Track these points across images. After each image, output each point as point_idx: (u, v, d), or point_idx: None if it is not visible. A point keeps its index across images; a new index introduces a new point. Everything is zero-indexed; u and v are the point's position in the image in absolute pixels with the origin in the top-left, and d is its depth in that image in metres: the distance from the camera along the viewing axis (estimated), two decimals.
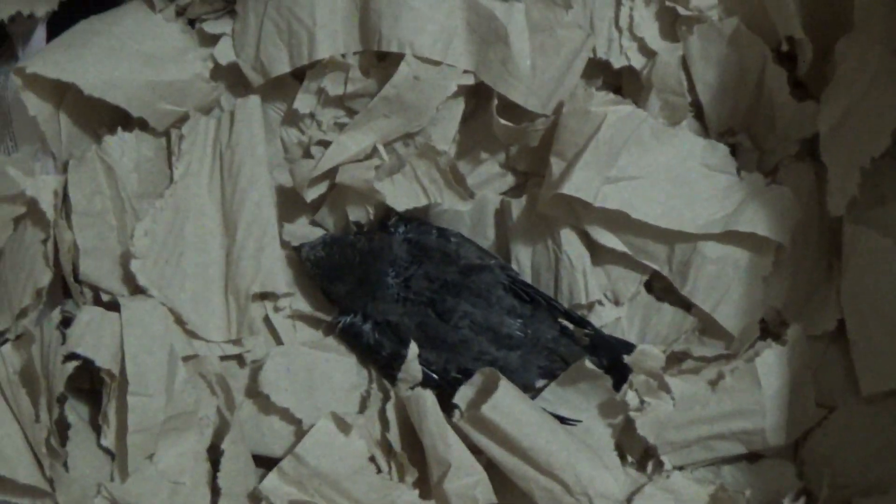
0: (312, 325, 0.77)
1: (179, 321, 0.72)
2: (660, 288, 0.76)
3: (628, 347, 0.73)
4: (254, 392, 0.73)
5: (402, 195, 0.74)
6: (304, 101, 0.76)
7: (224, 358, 0.74)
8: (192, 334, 0.73)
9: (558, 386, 0.73)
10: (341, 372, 0.74)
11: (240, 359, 0.74)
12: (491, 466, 0.70)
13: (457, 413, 0.70)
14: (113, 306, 0.70)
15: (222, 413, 0.71)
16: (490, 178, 0.79)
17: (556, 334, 0.74)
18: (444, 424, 0.69)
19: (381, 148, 0.74)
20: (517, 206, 0.76)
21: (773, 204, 0.71)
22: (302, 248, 0.74)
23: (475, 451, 0.70)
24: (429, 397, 0.69)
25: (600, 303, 0.76)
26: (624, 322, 0.77)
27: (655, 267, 0.73)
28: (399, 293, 0.73)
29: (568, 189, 0.70)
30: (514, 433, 0.67)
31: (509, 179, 0.79)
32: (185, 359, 0.71)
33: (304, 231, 0.77)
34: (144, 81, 0.72)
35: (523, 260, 0.77)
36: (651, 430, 0.71)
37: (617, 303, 0.76)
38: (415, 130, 0.75)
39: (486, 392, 0.68)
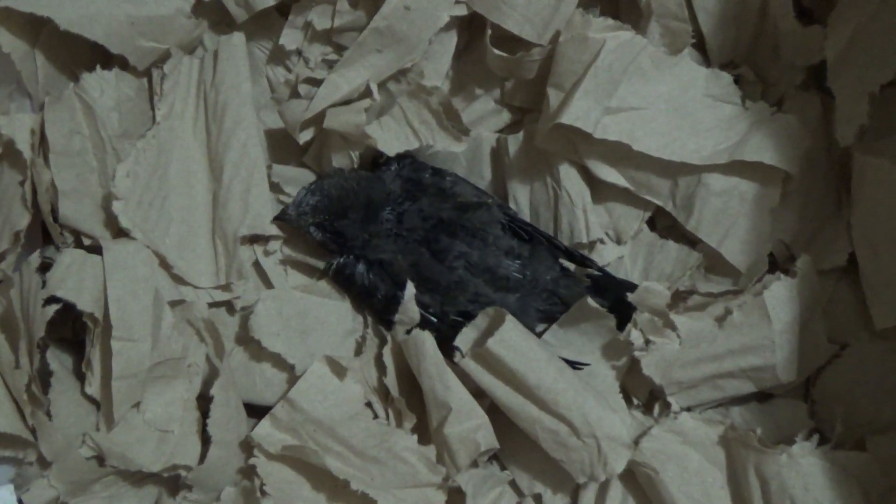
0: (304, 271, 0.74)
1: (165, 265, 0.69)
2: (663, 225, 0.74)
3: (631, 287, 0.70)
4: (244, 339, 0.70)
5: (391, 139, 0.72)
6: (290, 37, 0.73)
7: (213, 305, 0.71)
8: (178, 279, 0.70)
9: (560, 328, 0.70)
10: (335, 317, 0.71)
11: (229, 305, 0.72)
12: (493, 412, 0.67)
13: (458, 355, 0.67)
14: (95, 250, 0.68)
15: (211, 361, 0.68)
16: (485, 115, 0.76)
17: (555, 275, 0.71)
18: (444, 367, 0.66)
19: (373, 86, 0.71)
20: (514, 143, 0.73)
21: (779, 132, 0.69)
22: (287, 212, 0.69)
23: (476, 395, 0.67)
24: (427, 339, 0.66)
25: (602, 241, 0.73)
26: (627, 261, 0.74)
27: (658, 202, 0.71)
28: (392, 229, 0.69)
29: (567, 118, 0.67)
30: (520, 369, 0.64)
31: (505, 116, 0.76)
32: (172, 304, 0.68)
33: (292, 173, 0.74)
34: (123, 16, 0.69)
35: (521, 199, 0.74)
36: (657, 369, 0.69)
37: (619, 241, 0.73)
38: (407, 66, 0.72)
39: (488, 333, 0.65)
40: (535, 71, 0.71)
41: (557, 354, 0.68)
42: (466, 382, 0.67)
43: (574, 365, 0.68)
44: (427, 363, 0.66)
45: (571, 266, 0.71)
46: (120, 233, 0.69)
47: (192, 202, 0.71)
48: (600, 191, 0.73)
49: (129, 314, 0.65)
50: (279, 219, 0.70)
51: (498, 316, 0.66)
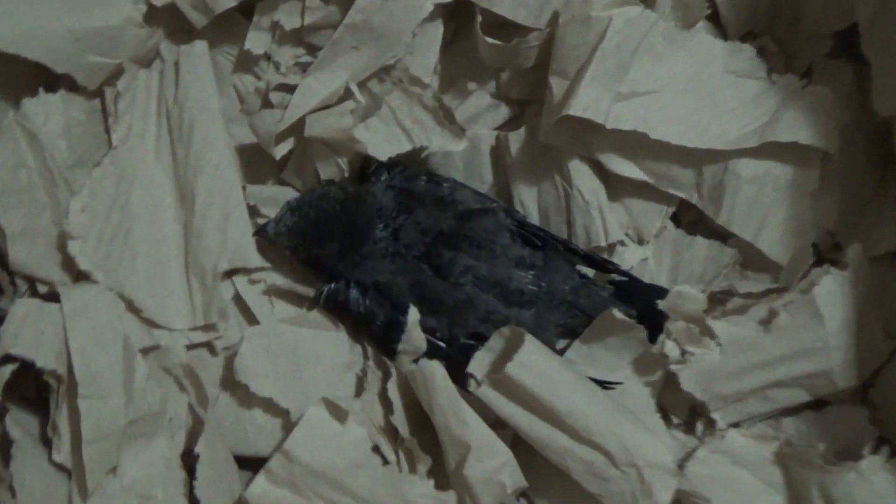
0: (292, 301, 0.66)
1: (133, 308, 0.61)
2: (689, 219, 0.67)
3: (661, 292, 0.63)
4: (230, 383, 0.62)
5: (382, 142, 0.64)
6: (256, 40, 0.66)
7: (191, 347, 0.63)
8: (150, 323, 0.62)
9: (584, 343, 0.63)
10: (331, 350, 0.64)
11: (210, 347, 0.64)
12: (517, 444, 0.60)
13: (472, 383, 0.59)
14: (52, 298, 0.60)
15: (195, 411, 0.61)
16: (481, 111, 0.68)
17: (574, 284, 0.63)
18: (458, 399, 0.58)
19: (354, 88, 0.64)
20: (516, 140, 0.66)
21: (813, 107, 0.61)
22: (266, 228, 0.63)
23: (497, 427, 0.59)
24: (437, 369, 0.58)
25: (622, 243, 0.66)
26: (651, 263, 0.67)
27: (682, 195, 0.65)
28: (388, 248, 0.62)
29: (574, 110, 0.60)
30: (545, 395, 0.56)
31: (503, 111, 0.69)
32: (145, 351, 0.61)
33: (269, 192, 0.67)
34: (66, 31, 0.62)
35: (528, 202, 0.67)
36: (697, 383, 0.61)
37: (641, 241, 0.67)
38: (390, 62, 0.65)
39: (506, 356, 0.58)
40: (533, 58, 0.64)
41: (584, 374, 0.61)
42: (485, 414, 0.59)
43: (604, 385, 0.61)
44: (438, 396, 0.58)
45: (591, 273, 0.65)
46: (80, 276, 0.62)
47: (160, 234, 0.64)
48: (616, 187, 0.66)
49: (97, 367, 0.57)
50: (259, 234, 0.63)
51: (515, 336, 0.58)
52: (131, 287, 0.61)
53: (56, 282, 0.61)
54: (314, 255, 0.62)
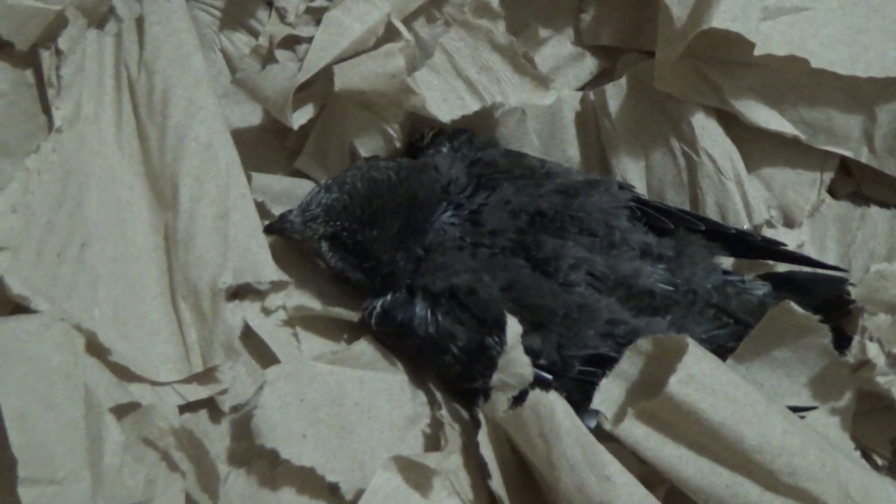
0: (326, 333, 0.48)
1: (97, 349, 0.42)
2: (848, 190, 0.53)
3: (840, 281, 0.47)
4: (243, 455, 0.43)
5: (437, 101, 0.49)
6: None
7: (185, 407, 0.44)
8: (122, 371, 0.43)
9: (740, 362, 0.45)
10: (387, 398, 0.44)
11: (211, 406, 0.45)
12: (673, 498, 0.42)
13: (602, 420, 0.41)
14: None
15: (194, 500, 0.42)
16: (559, 64, 0.54)
17: (718, 281, 0.47)
18: (596, 445, 0.40)
19: (399, 24, 0.47)
20: (616, 95, 0.51)
21: None
22: (286, 217, 0.46)
23: (649, 482, 0.41)
24: (558, 404, 0.40)
25: (770, 224, 0.51)
26: (810, 249, 0.51)
27: (844, 152, 0.50)
28: (464, 236, 0.45)
29: (720, 21, 0.45)
30: (728, 422, 0.39)
31: (589, 63, 0.54)
32: (118, 412, 0.42)
33: (283, 185, 0.49)
34: None
35: (634, 178, 0.52)
36: None
37: (790, 223, 0.52)
38: None
39: (650, 380, 0.41)
40: None
41: None
42: (627, 463, 0.41)
43: (795, 411, 0.43)
44: (564, 444, 0.40)
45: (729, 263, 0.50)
46: (17, 307, 0.42)
47: (130, 249, 0.46)
48: (752, 151, 0.51)
49: (45, 438, 0.38)
50: (275, 229, 0.46)
51: (667, 347, 0.41)
52: (92, 320, 0.43)
53: None
54: (364, 243, 0.45)
